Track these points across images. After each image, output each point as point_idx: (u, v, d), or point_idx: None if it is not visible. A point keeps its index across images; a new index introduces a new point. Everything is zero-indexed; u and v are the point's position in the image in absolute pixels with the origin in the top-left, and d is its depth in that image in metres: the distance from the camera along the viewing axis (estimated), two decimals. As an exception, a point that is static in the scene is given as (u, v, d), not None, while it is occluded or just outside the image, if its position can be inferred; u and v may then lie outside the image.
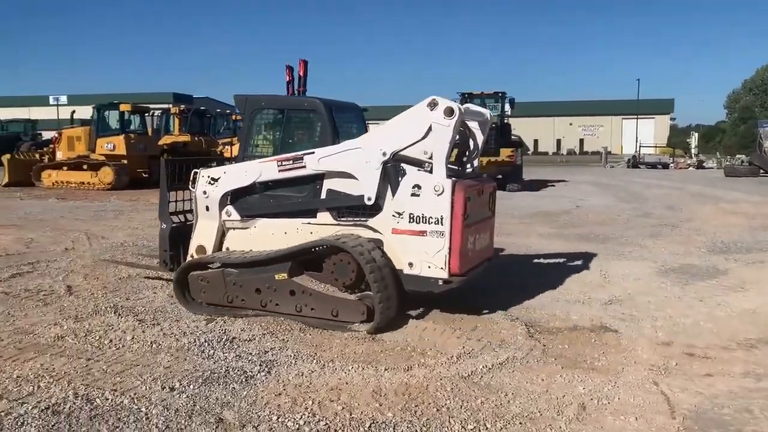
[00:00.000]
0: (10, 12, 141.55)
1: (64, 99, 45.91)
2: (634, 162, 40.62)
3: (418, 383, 4.35)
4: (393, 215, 5.52)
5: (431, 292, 5.53)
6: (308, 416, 3.82)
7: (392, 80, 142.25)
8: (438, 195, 5.32)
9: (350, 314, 5.50)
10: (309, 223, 5.91)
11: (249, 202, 6.22)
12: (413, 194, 5.43)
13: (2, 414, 3.78)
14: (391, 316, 5.48)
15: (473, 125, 6.16)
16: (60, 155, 21.07)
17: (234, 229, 6.25)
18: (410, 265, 5.48)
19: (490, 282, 7.33)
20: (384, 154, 5.49)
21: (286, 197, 6.12)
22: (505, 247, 9.68)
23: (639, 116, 62.22)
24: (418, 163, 5.46)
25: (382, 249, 5.54)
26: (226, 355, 4.86)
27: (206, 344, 5.08)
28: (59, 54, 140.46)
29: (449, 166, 5.57)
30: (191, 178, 6.34)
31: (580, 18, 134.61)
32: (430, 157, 5.39)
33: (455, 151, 5.97)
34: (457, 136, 5.65)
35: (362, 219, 5.71)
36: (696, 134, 48.51)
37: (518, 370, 4.62)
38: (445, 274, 5.38)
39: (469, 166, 6.23)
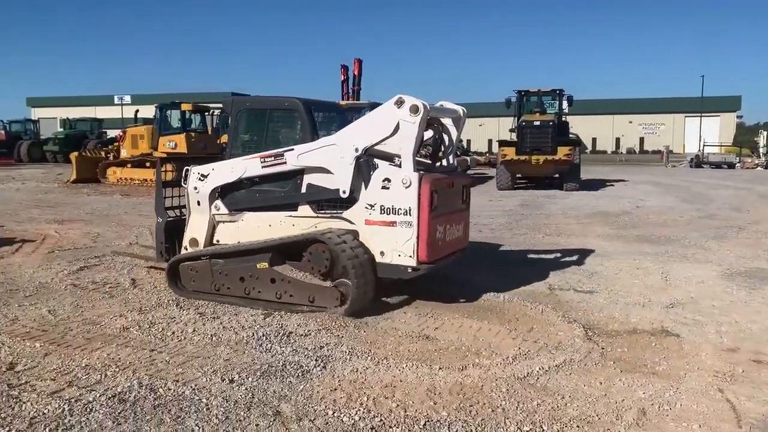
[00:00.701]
0: (77, 16, 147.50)
1: (127, 98, 47.56)
2: (698, 161, 39.26)
3: (473, 383, 4.33)
4: (366, 207, 5.88)
5: (401, 278, 5.87)
6: (363, 412, 3.86)
7: (445, 78, 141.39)
8: (406, 187, 5.66)
9: (326, 300, 5.85)
10: (291, 216, 6.30)
11: (236, 196, 6.60)
12: (383, 187, 5.77)
13: (72, 400, 3.95)
14: (366, 301, 5.80)
15: (447, 122, 6.49)
16: (124, 153, 21.86)
17: (223, 222, 6.65)
18: (382, 253, 5.81)
19: (545, 283, 7.24)
20: (357, 149, 5.82)
21: (269, 192, 6.51)
22: (562, 248, 9.53)
23: (703, 114, 60.03)
24: (388, 158, 5.78)
25: (357, 239, 5.87)
26: (283, 349, 4.95)
27: (264, 338, 5.19)
28: (123, 55, 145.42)
29: (420, 160, 6.00)
30: (183, 175, 6.73)
31: (641, 13, 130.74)
32: (399, 152, 5.71)
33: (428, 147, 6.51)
34: (432, 132, 6.21)
35: (338, 211, 6.09)
36: (765, 133, 46.42)
37: (575, 373, 4.54)
38: (413, 262, 5.71)
39: (444, 161, 6.60)
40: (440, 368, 4.57)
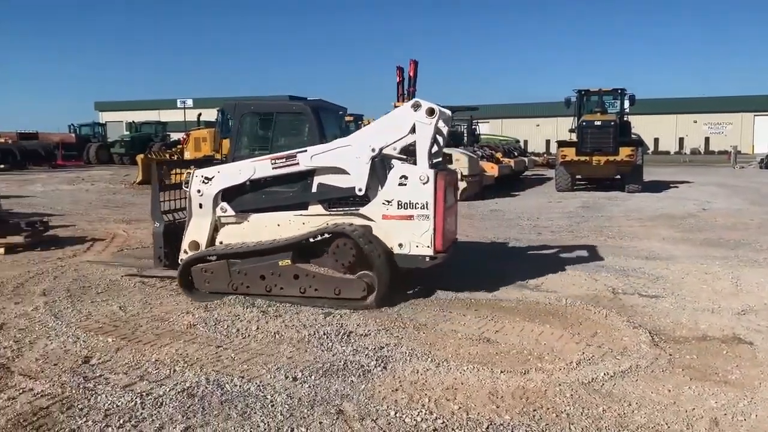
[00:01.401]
0: (141, 24, 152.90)
1: (190, 102, 48.86)
2: (768, 162, 37.48)
3: (536, 387, 4.27)
4: (383, 203, 6.20)
5: (419, 267, 6.22)
6: (425, 413, 3.86)
7: (503, 78, 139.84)
8: (424, 183, 6.06)
9: (351, 291, 6.09)
10: (301, 215, 6.50)
11: (243, 198, 6.68)
12: (401, 184, 6.14)
13: (143, 394, 4.10)
14: (386, 290, 6.13)
15: (440, 124, 6.58)
16: (187, 155, 22.49)
17: (228, 224, 6.69)
18: (400, 245, 6.17)
19: (608, 287, 7.07)
20: (373, 150, 6.20)
21: (278, 192, 6.66)
22: (625, 251, 9.29)
23: (774, 112, 57.31)
24: (402, 157, 6.28)
25: (374, 233, 6.21)
26: (344, 348, 5.00)
27: (325, 337, 5.25)
28: (185, 61, 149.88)
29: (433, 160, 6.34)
30: (184, 179, 6.79)
31: (704, 8, 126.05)
32: (414, 152, 6.17)
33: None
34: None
35: (354, 208, 6.37)
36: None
37: (642, 380, 4.41)
38: (431, 252, 6.14)
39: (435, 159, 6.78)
40: (502, 372, 4.53)
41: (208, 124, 25.59)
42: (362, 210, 6.31)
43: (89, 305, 6.21)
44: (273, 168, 6.44)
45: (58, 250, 9.31)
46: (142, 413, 3.83)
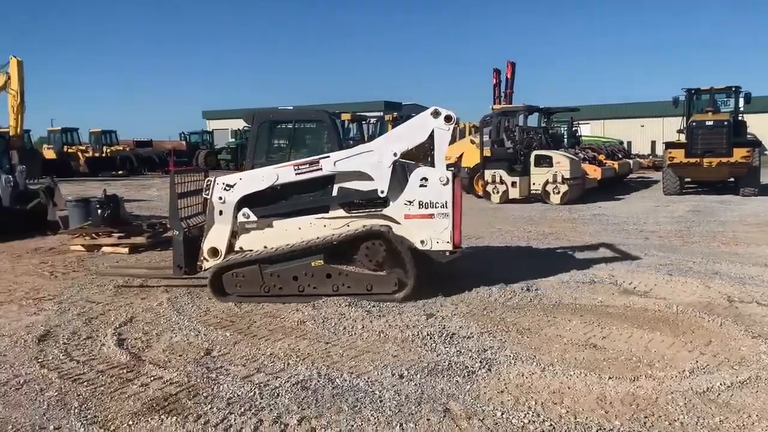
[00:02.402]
0: (242, 36, 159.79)
1: (290, 109, 50.58)
2: None
3: (646, 395, 4.17)
4: (405, 203, 6.62)
5: (439, 261, 6.69)
6: (532, 416, 3.87)
7: (605, 77, 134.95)
8: (444, 184, 6.55)
9: (383, 287, 6.53)
10: (322, 218, 6.76)
11: (265, 204, 6.82)
12: (421, 185, 6.60)
13: (261, 385, 4.37)
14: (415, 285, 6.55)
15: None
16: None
17: (249, 230, 6.80)
18: (422, 242, 6.61)
19: (722, 294, 6.74)
20: (395, 154, 6.56)
21: (300, 197, 6.90)
22: (742, 258, 8.80)
23: None
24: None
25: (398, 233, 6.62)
26: (448, 349, 5.08)
27: (428, 338, 5.35)
28: (286, 69, 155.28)
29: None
30: (206, 186, 6.85)
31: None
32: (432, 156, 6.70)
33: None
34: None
35: (376, 209, 6.72)
36: None
37: (763, 391, 4.20)
38: (450, 247, 6.63)
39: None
40: (610, 378, 4.45)
41: (309, 131, 26.50)
42: (385, 211, 6.69)
43: (207, 302, 6.64)
44: (296, 174, 6.65)
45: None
46: (260, 402, 4.08)
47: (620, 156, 24.50)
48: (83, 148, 36.33)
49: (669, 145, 19.12)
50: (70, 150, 35.32)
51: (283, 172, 6.68)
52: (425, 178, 6.61)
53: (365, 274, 6.57)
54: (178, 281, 7.26)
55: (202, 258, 6.83)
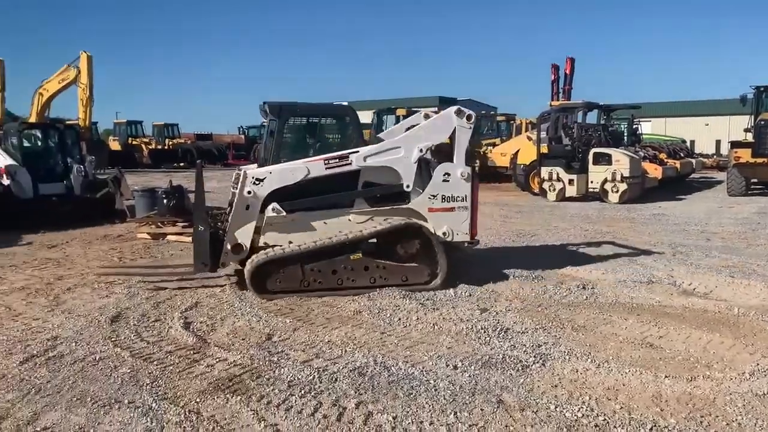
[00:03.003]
0: (301, 34, 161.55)
1: (345, 104, 50.99)
2: None
3: (704, 395, 4.14)
4: (429, 197, 6.92)
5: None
6: (586, 410, 3.90)
7: (667, 74, 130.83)
8: (465, 179, 6.91)
9: (417, 277, 6.81)
10: (348, 212, 6.86)
11: (293, 198, 6.73)
12: (444, 180, 6.92)
13: (320, 370, 4.54)
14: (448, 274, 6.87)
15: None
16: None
17: (275, 225, 6.71)
18: (444, 234, 6.92)
19: (790, 298, 6.55)
20: (421, 150, 6.84)
21: (326, 191, 6.82)
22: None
23: None
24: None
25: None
26: (502, 343, 5.14)
27: (482, 331, 5.42)
28: (340, 65, 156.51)
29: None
30: (234, 179, 6.77)
31: None
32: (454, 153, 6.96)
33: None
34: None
35: (401, 203, 6.94)
36: None
37: (828, 397, 4.11)
38: (468, 238, 7.05)
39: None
40: (666, 377, 4.43)
41: (363, 126, 26.71)
42: (411, 204, 6.93)
43: (267, 290, 6.86)
44: (326, 168, 6.67)
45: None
46: (320, 386, 4.25)
47: (682, 155, 23.75)
48: (146, 140, 37.57)
49: (735, 145, 18.47)
50: (134, 142, 36.58)
51: (314, 167, 6.67)
52: (448, 173, 6.91)
53: (401, 266, 6.78)
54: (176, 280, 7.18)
55: (225, 254, 6.70)
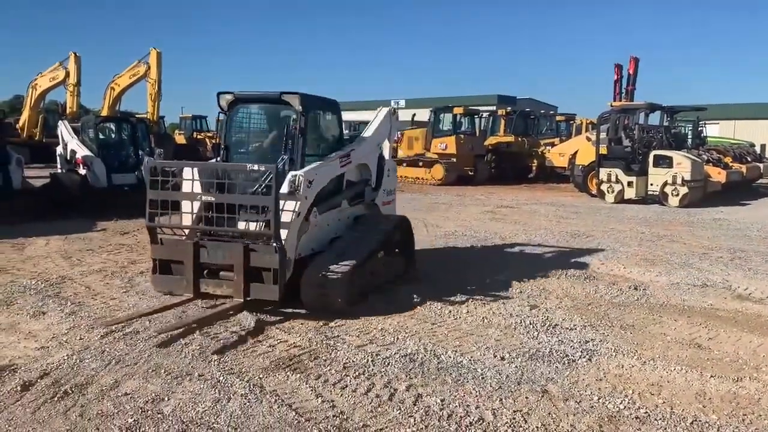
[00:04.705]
0: (357, 33, 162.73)
1: (402, 102, 51.19)
2: None
3: (749, 395, 4.21)
4: (383, 192, 7.48)
5: None
6: (628, 403, 4.04)
7: (736, 75, 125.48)
8: (395, 173, 7.84)
9: (399, 268, 7.15)
10: (339, 210, 6.82)
11: (323, 199, 6.28)
12: (388, 174, 7.54)
13: (373, 354, 4.82)
14: None
15: None
16: (401, 153, 23.87)
17: (307, 230, 6.05)
18: None
19: None
20: (378, 146, 7.35)
21: (334, 191, 6.66)
22: None
23: None
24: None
25: None
26: (549, 338, 5.30)
27: (530, 326, 5.59)
28: (399, 65, 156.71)
29: None
30: (290, 183, 5.72)
31: None
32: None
33: None
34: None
35: (368, 200, 7.24)
36: None
37: None
38: None
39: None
40: (712, 376, 4.51)
41: (418, 124, 26.84)
42: (377, 200, 7.38)
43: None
44: (341, 166, 6.59)
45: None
46: (373, 369, 4.52)
47: (749, 159, 22.95)
48: (210, 134, 38.74)
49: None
50: (198, 136, 37.78)
51: (333, 166, 6.44)
52: (389, 169, 7.61)
53: (394, 259, 7.16)
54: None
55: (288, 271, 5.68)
